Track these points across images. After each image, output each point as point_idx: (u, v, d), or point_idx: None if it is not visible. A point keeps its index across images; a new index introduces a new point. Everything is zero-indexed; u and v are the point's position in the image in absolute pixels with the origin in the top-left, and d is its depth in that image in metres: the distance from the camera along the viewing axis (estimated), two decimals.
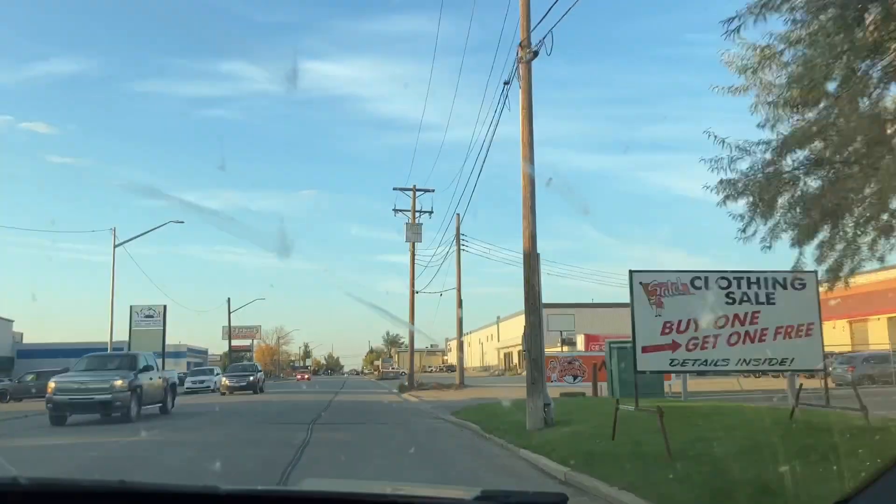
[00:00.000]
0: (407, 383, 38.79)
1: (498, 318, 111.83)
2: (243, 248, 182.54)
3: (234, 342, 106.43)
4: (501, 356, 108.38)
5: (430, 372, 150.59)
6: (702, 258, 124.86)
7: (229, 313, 65.87)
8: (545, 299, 15.19)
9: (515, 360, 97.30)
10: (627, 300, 13.04)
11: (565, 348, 78.47)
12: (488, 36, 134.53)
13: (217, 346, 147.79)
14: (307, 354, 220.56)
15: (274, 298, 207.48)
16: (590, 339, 60.60)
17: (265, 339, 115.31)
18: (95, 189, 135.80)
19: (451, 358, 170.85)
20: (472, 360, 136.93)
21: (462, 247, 36.86)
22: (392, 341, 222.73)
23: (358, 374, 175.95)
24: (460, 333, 39.67)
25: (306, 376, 59.82)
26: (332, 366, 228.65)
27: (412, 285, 38.08)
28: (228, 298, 66.13)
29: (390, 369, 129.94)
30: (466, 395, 30.61)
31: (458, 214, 36.98)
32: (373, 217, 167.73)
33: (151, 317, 52.86)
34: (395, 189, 36.81)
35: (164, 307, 53.50)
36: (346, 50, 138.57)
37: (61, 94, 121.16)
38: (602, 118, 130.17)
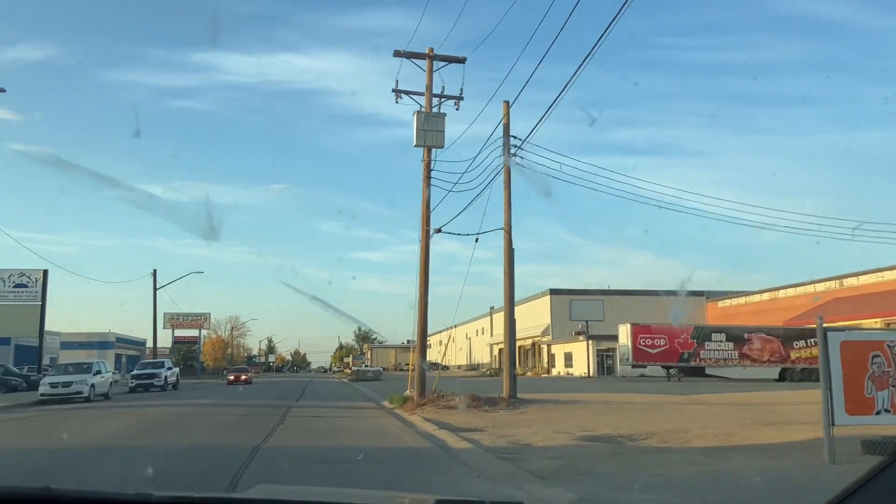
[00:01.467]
0: (415, 393, 22.81)
1: (492, 308, 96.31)
2: (200, 240, 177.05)
3: (179, 332, 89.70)
4: (495, 353, 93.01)
5: (407, 370, 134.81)
6: (669, 260, 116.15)
7: (154, 291, 49.44)
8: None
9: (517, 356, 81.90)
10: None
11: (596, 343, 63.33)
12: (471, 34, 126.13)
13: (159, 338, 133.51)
14: (271, 349, 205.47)
15: (238, 293, 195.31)
16: (639, 331, 45.42)
17: (216, 329, 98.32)
18: (58, 178, 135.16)
19: (432, 354, 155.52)
20: (456, 358, 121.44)
21: (516, 156, 20.96)
22: (364, 337, 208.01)
23: (325, 371, 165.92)
24: (511, 301, 24.02)
25: (243, 377, 43.48)
26: (298, 363, 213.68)
27: (425, 224, 22.22)
28: (154, 270, 49.58)
29: (363, 366, 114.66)
30: (564, 421, 15.01)
31: (507, 102, 21.23)
32: (346, 212, 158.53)
33: (25, 286, 36.41)
34: (396, 55, 20.76)
35: (45, 273, 37.02)
36: (321, 43, 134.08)
37: (27, 80, 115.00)
38: (575, 119, 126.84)
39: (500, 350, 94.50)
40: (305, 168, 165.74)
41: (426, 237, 21.36)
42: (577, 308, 53.08)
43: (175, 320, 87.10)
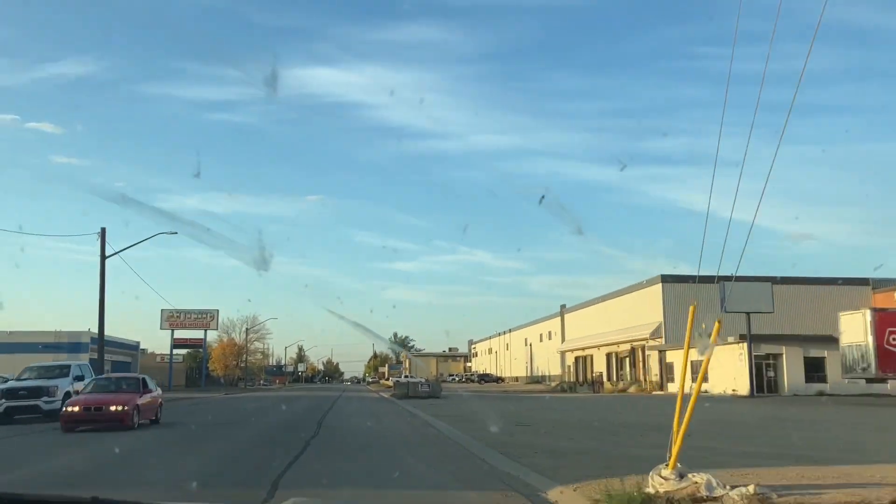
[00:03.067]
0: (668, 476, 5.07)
1: (563, 308, 78.02)
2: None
3: (181, 334, 73.08)
4: (569, 362, 74.71)
5: (454, 381, 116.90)
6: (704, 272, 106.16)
7: (102, 259, 32.23)
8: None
9: (604, 367, 63.46)
10: None
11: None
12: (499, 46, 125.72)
13: (158, 341, 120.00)
14: (300, 358, 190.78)
15: (269, 303, 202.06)
16: (885, 319, 26.97)
17: (229, 330, 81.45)
18: (96, 190, 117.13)
19: (478, 364, 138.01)
20: (511, 367, 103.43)
21: None
22: (401, 344, 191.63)
23: (359, 382, 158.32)
24: None
25: (112, 407, 16.91)
26: (331, 372, 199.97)
27: None
28: (102, 230, 32.45)
29: (410, 377, 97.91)
30: None
31: None
32: (378, 224, 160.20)
33: None
34: None
35: None
36: (356, 56, 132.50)
37: (69, 95, 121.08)
38: (606, 130, 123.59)
39: (578, 359, 76.30)
40: (341, 180, 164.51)
41: None
42: (736, 295, 34.85)
43: (175, 319, 70.59)
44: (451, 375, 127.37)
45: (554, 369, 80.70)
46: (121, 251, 32.93)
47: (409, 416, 24.02)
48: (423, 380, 45.53)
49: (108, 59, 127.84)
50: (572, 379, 72.57)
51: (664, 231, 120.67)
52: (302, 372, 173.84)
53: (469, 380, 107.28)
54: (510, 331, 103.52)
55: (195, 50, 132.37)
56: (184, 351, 78.22)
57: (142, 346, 76.32)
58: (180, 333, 71.67)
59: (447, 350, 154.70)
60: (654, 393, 49.91)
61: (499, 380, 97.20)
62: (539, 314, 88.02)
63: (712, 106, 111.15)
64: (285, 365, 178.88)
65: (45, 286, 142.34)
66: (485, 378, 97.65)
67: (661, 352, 51.50)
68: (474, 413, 23.66)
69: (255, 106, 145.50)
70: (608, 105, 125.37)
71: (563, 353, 76.03)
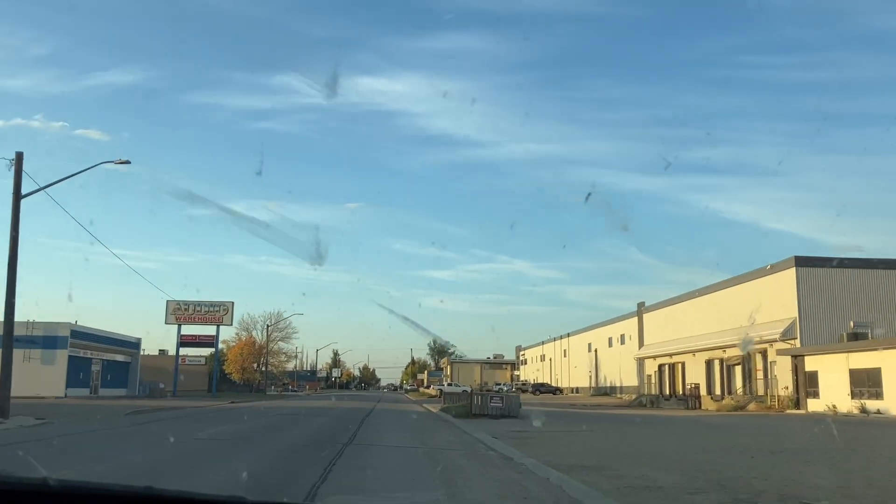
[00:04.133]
0: None
1: (641, 306, 65.56)
2: (283, 258, 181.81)
3: (189, 330, 62.44)
4: (649, 371, 62.17)
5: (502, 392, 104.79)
6: None
7: (16, 197, 21.21)
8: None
9: (701, 376, 50.54)
10: None
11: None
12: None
13: (161, 337, 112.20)
14: (335, 363, 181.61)
15: (312, 309, 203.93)
16: None
17: (249, 327, 70.61)
18: (143, 196, 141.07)
19: (527, 372, 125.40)
20: (570, 377, 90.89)
21: None
22: (439, 351, 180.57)
23: (395, 389, 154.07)
24: None
25: None
26: (367, 379, 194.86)
27: None
28: (19, 154, 21.48)
29: (446, 385, 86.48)
30: None
31: None
32: (418, 232, 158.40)
33: None
34: None
35: None
36: (396, 65, 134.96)
37: (117, 103, 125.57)
38: (648, 138, 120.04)
39: (663, 367, 63.43)
40: (381, 188, 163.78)
41: None
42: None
43: (182, 312, 59.98)
44: (496, 384, 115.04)
45: (628, 379, 68.14)
46: (49, 185, 21.82)
47: (506, 464, 12.22)
48: (501, 391, 33.79)
49: (156, 69, 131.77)
50: (653, 391, 60.02)
51: (707, 241, 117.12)
52: (336, 377, 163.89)
53: (520, 389, 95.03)
54: (569, 335, 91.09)
55: (241, 60, 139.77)
56: (206, 352, 67.95)
57: (162, 348, 65.94)
58: (189, 329, 61.06)
59: (491, 357, 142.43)
60: (787, 412, 37.31)
61: (556, 390, 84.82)
62: (579, 323, 76.32)
63: (755, 115, 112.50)
64: (318, 369, 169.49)
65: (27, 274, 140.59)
66: (540, 388, 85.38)
67: (797, 357, 38.84)
68: (628, 457, 11.85)
69: (298, 114, 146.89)
70: (650, 113, 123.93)
71: (641, 361, 63.51)
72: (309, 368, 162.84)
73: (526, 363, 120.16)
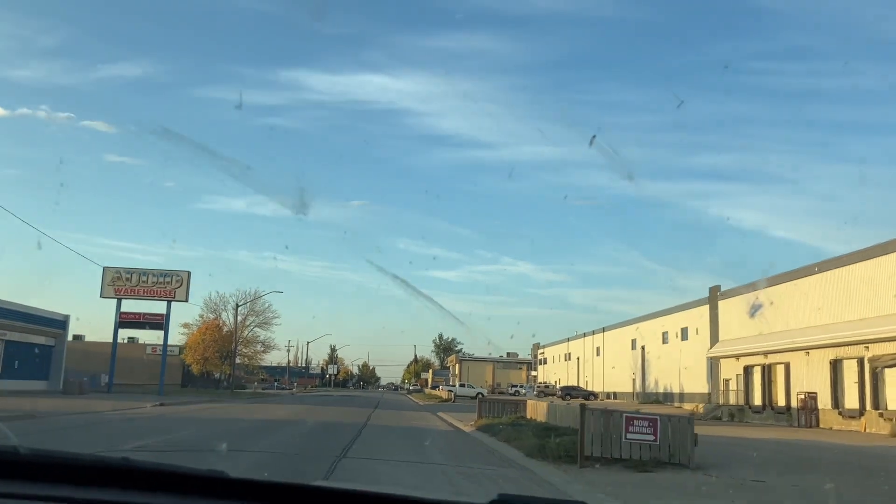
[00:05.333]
0: None
1: (715, 290, 51.20)
2: (290, 256, 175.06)
3: (132, 306, 48.24)
4: (730, 373, 47.73)
5: (519, 394, 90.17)
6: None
7: None
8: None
9: (823, 383, 35.64)
10: None
11: None
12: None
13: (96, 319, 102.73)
14: (332, 359, 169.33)
15: (310, 306, 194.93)
16: None
17: (217, 309, 56.38)
18: (147, 189, 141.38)
19: (547, 372, 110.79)
20: (605, 380, 76.67)
21: None
22: (445, 348, 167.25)
23: (396, 388, 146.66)
24: None
25: None
26: (367, 377, 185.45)
27: None
28: None
29: (457, 386, 72.79)
30: None
31: None
32: (422, 232, 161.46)
33: None
34: None
35: None
36: (406, 64, 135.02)
37: (125, 96, 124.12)
38: (655, 144, 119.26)
39: (749, 369, 47.34)
40: (386, 186, 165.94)
41: None
42: None
43: (123, 283, 45.84)
44: (512, 386, 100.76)
45: (691, 384, 53.96)
46: None
47: None
48: (636, 414, 19.91)
49: (164, 63, 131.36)
50: (733, 401, 45.83)
51: (713, 248, 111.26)
52: (331, 375, 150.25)
53: (544, 393, 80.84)
54: (604, 329, 76.72)
55: (248, 55, 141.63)
56: (172, 338, 53.94)
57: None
58: (131, 306, 46.84)
59: (505, 355, 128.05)
60: None
61: (591, 395, 70.54)
62: (584, 326, 62.91)
63: (763, 121, 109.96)
64: (311, 365, 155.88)
65: None
66: (570, 392, 71.07)
67: None
68: None
69: (305, 111, 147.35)
70: (658, 119, 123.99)
71: (714, 361, 49.22)
72: (304, 364, 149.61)
73: (546, 363, 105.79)
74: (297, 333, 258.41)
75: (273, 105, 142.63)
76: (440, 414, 33.02)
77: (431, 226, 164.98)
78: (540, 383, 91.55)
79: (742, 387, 46.15)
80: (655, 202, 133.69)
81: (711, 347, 49.61)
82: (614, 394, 71.16)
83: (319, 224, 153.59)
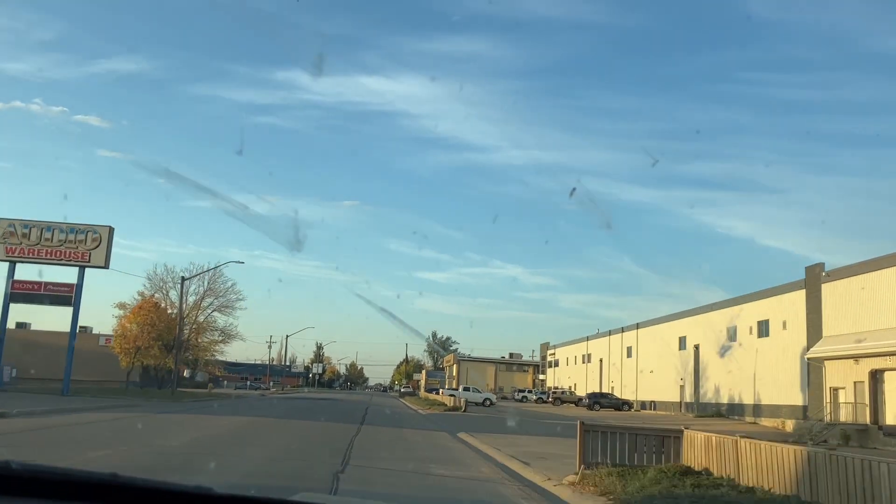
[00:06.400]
0: None
1: (819, 269, 38.66)
2: (279, 253, 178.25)
3: (28, 271, 35.16)
4: (845, 382, 35.28)
5: (527, 400, 77.19)
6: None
7: None
8: None
9: None
10: None
11: None
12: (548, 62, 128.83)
13: None
14: (318, 358, 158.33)
15: (304, 306, 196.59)
16: None
17: (165, 286, 43.55)
18: (138, 184, 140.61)
19: (559, 376, 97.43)
20: (640, 385, 64.36)
21: None
22: (441, 345, 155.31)
23: (385, 390, 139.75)
24: None
25: None
26: (354, 377, 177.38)
27: None
28: None
29: (461, 390, 60.95)
30: None
31: None
32: (413, 233, 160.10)
33: None
34: None
35: None
36: (401, 66, 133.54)
37: (119, 91, 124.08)
38: (647, 151, 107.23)
39: (878, 374, 34.01)
40: (378, 187, 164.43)
41: None
42: None
43: (18, 241, 32.96)
44: (518, 391, 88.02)
45: (770, 393, 41.70)
46: None
47: None
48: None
49: (158, 59, 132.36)
50: (840, 416, 33.46)
51: (702, 255, 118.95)
52: (316, 374, 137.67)
53: (561, 400, 68.26)
54: (637, 326, 64.19)
55: (243, 53, 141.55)
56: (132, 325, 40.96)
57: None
58: (30, 270, 33.86)
59: (505, 356, 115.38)
60: None
61: (625, 405, 58.07)
62: (577, 332, 51.54)
63: (753, 131, 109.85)
64: (293, 363, 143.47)
65: None
66: (600, 400, 58.59)
67: None
68: None
69: (299, 111, 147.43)
70: (650, 126, 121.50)
71: (817, 363, 36.72)
72: (286, 362, 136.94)
73: (556, 365, 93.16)
74: (282, 331, 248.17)
75: (266, 104, 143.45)
76: (465, 437, 20.45)
77: (422, 227, 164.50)
78: (554, 389, 78.78)
79: (866, 399, 33.73)
80: (644, 209, 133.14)
81: (813, 347, 37.11)
82: (653, 403, 58.68)
83: (311, 222, 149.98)
